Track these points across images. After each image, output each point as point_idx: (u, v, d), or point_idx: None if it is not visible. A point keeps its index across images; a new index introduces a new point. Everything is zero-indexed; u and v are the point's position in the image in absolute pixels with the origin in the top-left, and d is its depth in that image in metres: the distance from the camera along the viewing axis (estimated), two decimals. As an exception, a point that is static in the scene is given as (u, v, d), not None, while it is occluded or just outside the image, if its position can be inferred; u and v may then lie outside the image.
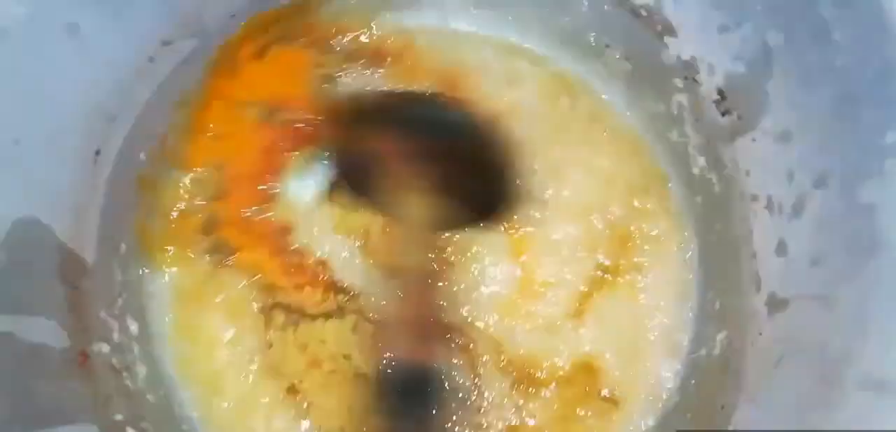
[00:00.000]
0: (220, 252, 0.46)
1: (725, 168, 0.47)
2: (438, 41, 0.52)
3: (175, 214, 0.47)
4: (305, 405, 0.44)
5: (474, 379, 0.45)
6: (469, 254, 0.47)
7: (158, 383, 0.45)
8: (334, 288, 0.46)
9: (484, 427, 0.44)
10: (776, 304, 0.42)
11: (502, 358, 0.45)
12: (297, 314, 0.46)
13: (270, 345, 0.45)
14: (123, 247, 0.45)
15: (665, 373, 0.46)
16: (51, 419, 0.37)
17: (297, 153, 0.48)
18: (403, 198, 0.44)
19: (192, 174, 0.48)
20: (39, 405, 0.37)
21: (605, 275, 0.48)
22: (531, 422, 0.44)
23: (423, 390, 0.41)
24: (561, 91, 0.52)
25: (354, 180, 0.47)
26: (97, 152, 0.43)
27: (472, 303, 0.46)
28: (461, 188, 0.44)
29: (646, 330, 0.47)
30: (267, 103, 0.48)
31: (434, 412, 0.41)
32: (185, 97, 0.47)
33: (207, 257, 0.46)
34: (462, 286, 0.46)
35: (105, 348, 0.43)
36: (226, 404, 0.44)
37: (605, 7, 0.50)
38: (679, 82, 0.49)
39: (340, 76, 0.50)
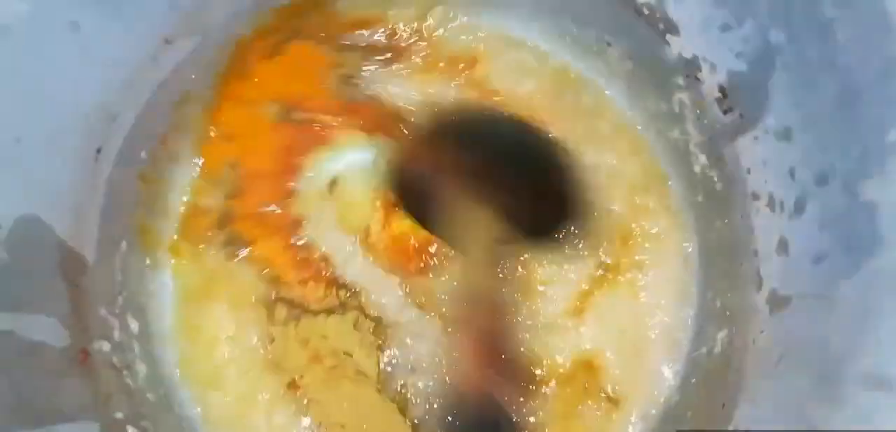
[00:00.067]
0: (234, 244, 0.47)
1: (727, 166, 0.47)
2: (456, 31, 0.51)
3: (184, 211, 0.47)
4: (306, 401, 0.44)
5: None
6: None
7: (159, 381, 0.45)
8: (336, 283, 0.46)
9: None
10: (777, 303, 0.42)
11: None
12: (300, 309, 0.46)
13: (272, 340, 0.45)
14: (124, 245, 0.45)
15: (666, 372, 0.46)
16: (51, 417, 0.37)
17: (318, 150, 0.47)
18: (468, 222, 0.43)
19: (204, 173, 0.48)
20: (40, 403, 0.37)
21: (606, 274, 0.48)
22: (531, 420, 0.44)
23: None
24: (565, 86, 0.52)
25: (413, 200, 0.46)
26: (98, 151, 0.43)
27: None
28: (525, 208, 0.43)
29: (646, 329, 0.47)
30: (283, 102, 0.48)
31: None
32: (187, 96, 0.47)
33: (217, 251, 0.47)
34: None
35: (105, 346, 0.43)
36: (226, 400, 0.44)
37: (607, 5, 0.50)
38: (681, 80, 0.49)
39: (361, 75, 0.49)
